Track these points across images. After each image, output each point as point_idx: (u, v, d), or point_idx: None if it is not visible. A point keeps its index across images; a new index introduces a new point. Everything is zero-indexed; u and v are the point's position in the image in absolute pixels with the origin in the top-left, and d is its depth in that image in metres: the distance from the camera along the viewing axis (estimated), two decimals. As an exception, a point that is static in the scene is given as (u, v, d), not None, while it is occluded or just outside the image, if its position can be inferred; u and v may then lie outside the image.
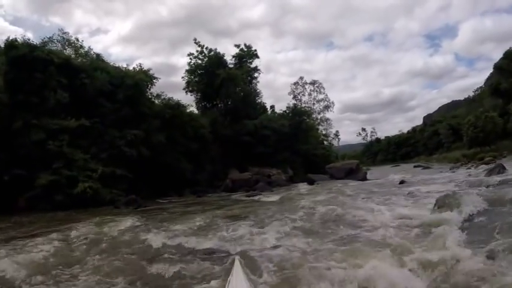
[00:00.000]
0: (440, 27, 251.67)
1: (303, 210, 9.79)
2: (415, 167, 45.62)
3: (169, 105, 24.90)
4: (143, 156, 20.98)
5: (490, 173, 13.96)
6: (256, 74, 40.02)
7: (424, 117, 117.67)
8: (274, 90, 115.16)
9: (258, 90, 40.20)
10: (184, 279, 4.76)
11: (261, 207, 12.74)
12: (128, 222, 9.97)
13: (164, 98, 25.62)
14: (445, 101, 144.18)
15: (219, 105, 37.07)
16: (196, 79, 36.70)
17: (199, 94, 36.94)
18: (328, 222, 7.85)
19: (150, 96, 25.16)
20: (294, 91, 46.77)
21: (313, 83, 48.94)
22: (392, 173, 32.79)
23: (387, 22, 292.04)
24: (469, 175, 16.84)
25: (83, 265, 5.57)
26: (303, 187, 23.52)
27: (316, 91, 48.51)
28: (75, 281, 4.88)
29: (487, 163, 23.23)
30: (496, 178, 12.05)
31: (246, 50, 39.41)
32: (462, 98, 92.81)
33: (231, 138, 32.27)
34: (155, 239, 7.11)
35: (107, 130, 20.49)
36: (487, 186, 9.67)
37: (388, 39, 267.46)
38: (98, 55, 25.64)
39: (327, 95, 48.49)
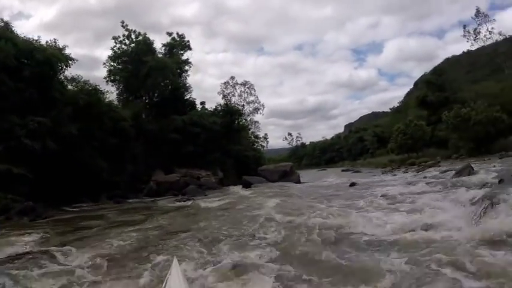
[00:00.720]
0: (368, 43, 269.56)
1: (269, 223, 7.34)
2: (343, 171, 46.19)
3: (85, 91, 20.70)
4: (49, 151, 16.84)
5: (459, 174, 13.02)
6: (187, 67, 36.46)
7: (346, 126, 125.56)
8: (202, 91, 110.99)
9: (188, 85, 36.77)
10: None
11: (202, 217, 9.95)
12: (10, 245, 6.71)
13: (79, 82, 21.23)
14: (366, 111, 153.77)
15: (144, 97, 33.02)
16: (120, 66, 32.29)
17: (121, 85, 32.40)
18: (321, 244, 5.42)
19: (63, 79, 20.73)
20: (223, 90, 44.13)
21: (244, 83, 46.94)
22: (325, 177, 32.36)
23: (318, 33, 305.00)
24: (425, 177, 15.88)
25: None
26: (241, 190, 21.17)
27: (247, 92, 46.63)
28: None
29: (430, 166, 23.55)
30: (481, 176, 11.34)
31: (178, 39, 35.79)
32: (382, 110, 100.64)
33: (156, 135, 28.70)
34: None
35: (4, 115, 16.16)
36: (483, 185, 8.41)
37: (317, 49, 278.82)
38: (6, 23, 20.16)
39: (257, 97, 46.83)
